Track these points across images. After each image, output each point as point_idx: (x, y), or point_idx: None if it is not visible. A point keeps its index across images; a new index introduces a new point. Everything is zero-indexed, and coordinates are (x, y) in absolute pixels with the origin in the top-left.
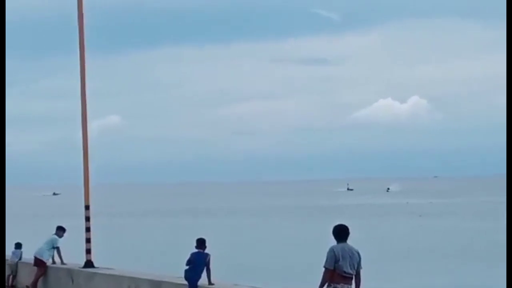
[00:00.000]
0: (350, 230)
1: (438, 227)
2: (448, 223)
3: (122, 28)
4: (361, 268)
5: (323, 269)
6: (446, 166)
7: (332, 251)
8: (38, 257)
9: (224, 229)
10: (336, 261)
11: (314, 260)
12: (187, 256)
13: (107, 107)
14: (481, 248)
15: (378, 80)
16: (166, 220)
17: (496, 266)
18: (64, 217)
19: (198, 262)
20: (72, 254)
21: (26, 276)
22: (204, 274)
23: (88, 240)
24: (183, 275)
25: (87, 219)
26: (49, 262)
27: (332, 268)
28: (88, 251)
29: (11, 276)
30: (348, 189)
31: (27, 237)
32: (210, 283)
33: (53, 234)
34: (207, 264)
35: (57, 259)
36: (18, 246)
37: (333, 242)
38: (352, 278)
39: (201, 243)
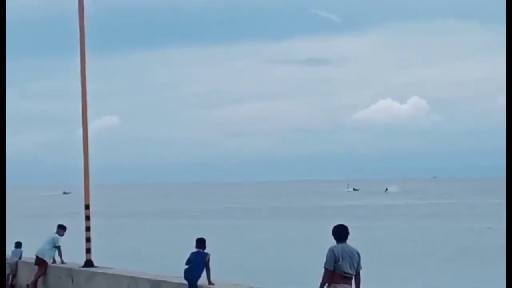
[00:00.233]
0: (349, 231)
1: (436, 228)
2: (446, 224)
3: (120, 29)
4: (361, 268)
5: (323, 269)
6: (445, 167)
7: (332, 251)
8: (40, 256)
9: (223, 230)
10: (336, 261)
11: (314, 260)
12: (187, 256)
13: (105, 108)
14: (480, 250)
15: (378, 81)
16: (165, 220)
17: (495, 267)
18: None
19: (197, 262)
20: (72, 254)
21: (26, 275)
22: (203, 274)
23: (88, 240)
24: (182, 274)
25: (87, 218)
26: (50, 262)
27: (332, 268)
28: (88, 251)
29: (11, 275)
30: (354, 189)
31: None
32: (209, 282)
33: (54, 233)
34: (206, 264)
35: (57, 258)
36: (18, 245)
37: (333, 242)
38: (352, 278)
39: (200, 242)
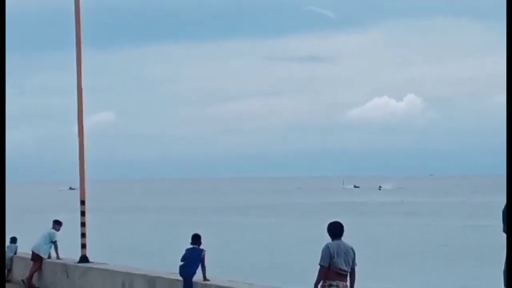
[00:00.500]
0: (344, 228)
1: (431, 225)
2: (441, 222)
3: (115, 24)
4: (356, 265)
5: (318, 266)
6: (442, 165)
7: (327, 248)
8: (36, 251)
9: (219, 226)
10: (331, 258)
11: (309, 257)
12: (182, 252)
13: (100, 104)
14: (475, 247)
15: (374, 79)
16: (161, 216)
17: (490, 265)
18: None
19: (193, 258)
20: (69, 249)
21: (21, 270)
22: (199, 270)
23: (83, 235)
24: (178, 271)
25: (82, 214)
26: (46, 257)
27: (327, 265)
28: (83, 246)
29: (6, 270)
30: (354, 186)
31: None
32: (205, 279)
33: (50, 228)
34: (202, 260)
35: (53, 253)
36: (13, 240)
37: (328, 239)
38: (347, 275)
39: (196, 238)
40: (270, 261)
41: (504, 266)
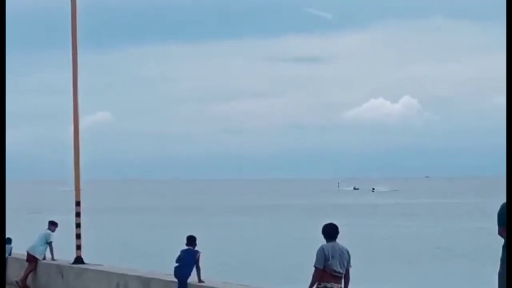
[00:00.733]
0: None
1: (425, 227)
2: (435, 224)
3: (113, 24)
4: (351, 266)
5: (313, 268)
6: (438, 166)
7: (322, 250)
8: (31, 253)
9: (214, 227)
10: (326, 260)
11: (305, 258)
12: (177, 253)
13: (97, 103)
14: (470, 249)
15: (370, 80)
16: (157, 217)
17: (484, 268)
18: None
19: (187, 259)
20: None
21: (15, 271)
22: (194, 272)
23: (78, 236)
24: (173, 272)
25: (77, 215)
26: (41, 258)
27: (322, 267)
28: (78, 247)
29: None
30: (354, 188)
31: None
32: (199, 280)
33: (46, 229)
34: (196, 262)
35: (48, 254)
36: (8, 241)
37: (323, 241)
38: (342, 277)
39: (191, 240)
40: (265, 262)
41: (500, 268)
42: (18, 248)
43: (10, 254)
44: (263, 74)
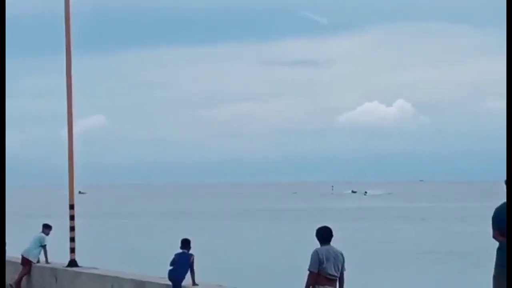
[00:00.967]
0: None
1: (420, 231)
2: (429, 227)
3: (109, 28)
4: (345, 269)
5: (307, 272)
6: (432, 170)
7: (316, 253)
8: (25, 256)
9: (209, 230)
10: (321, 263)
11: (300, 262)
12: (172, 257)
13: (92, 107)
14: (466, 253)
15: (365, 83)
16: (151, 221)
17: (478, 271)
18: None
19: (182, 263)
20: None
21: (9, 274)
22: (188, 275)
23: (72, 239)
24: (167, 275)
25: (72, 218)
26: (35, 261)
27: (316, 271)
28: (72, 250)
29: None
30: (352, 191)
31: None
32: (194, 283)
33: (40, 232)
34: (191, 265)
35: (42, 257)
36: None
37: (317, 244)
38: (336, 280)
39: (185, 243)
40: (260, 266)
41: (494, 272)
42: (13, 252)
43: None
44: (260, 78)
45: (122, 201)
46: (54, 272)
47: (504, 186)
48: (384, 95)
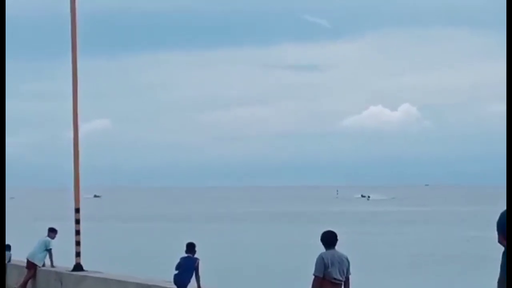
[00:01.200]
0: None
1: (423, 235)
2: (433, 232)
3: (111, 31)
4: (350, 274)
5: (313, 276)
6: (438, 174)
7: (321, 258)
8: (30, 259)
9: (213, 234)
10: (326, 268)
11: (304, 266)
12: (177, 260)
13: (96, 110)
14: (466, 258)
15: (369, 87)
16: (155, 225)
17: (483, 276)
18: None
19: (187, 267)
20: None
21: (15, 278)
22: (193, 279)
23: (77, 243)
24: (172, 279)
25: (77, 222)
26: (40, 265)
27: (321, 275)
28: (78, 254)
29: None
30: (362, 195)
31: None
32: (199, 287)
33: (45, 236)
34: (196, 269)
35: (47, 261)
36: (8, 248)
37: (322, 248)
38: (341, 285)
39: (191, 247)
40: (265, 270)
41: (499, 276)
42: (18, 255)
43: (9, 261)
44: (261, 82)
45: (124, 204)
46: (59, 276)
47: None
48: (389, 99)
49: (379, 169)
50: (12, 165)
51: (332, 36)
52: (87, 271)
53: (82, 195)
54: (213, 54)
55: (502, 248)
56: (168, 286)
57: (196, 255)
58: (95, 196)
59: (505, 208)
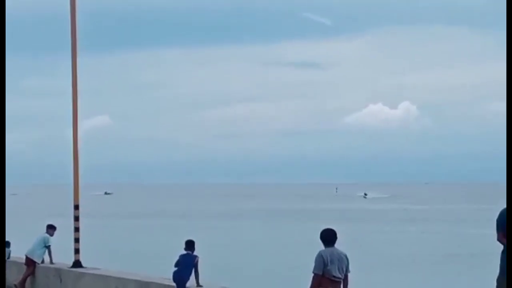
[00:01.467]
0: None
1: (421, 233)
2: (432, 230)
3: (111, 28)
4: (349, 271)
5: (312, 274)
6: (437, 172)
7: (320, 256)
8: (29, 256)
9: (213, 231)
10: (325, 265)
11: (303, 263)
12: (176, 258)
13: (96, 107)
14: (467, 256)
15: (369, 85)
16: (154, 222)
17: (482, 274)
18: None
19: (186, 264)
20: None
21: (14, 275)
22: (192, 276)
23: (76, 240)
24: (171, 276)
25: (76, 219)
26: (39, 261)
27: (320, 273)
28: (77, 251)
29: None
30: (365, 194)
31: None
32: (198, 285)
33: (44, 233)
34: (195, 266)
35: (46, 258)
36: (7, 244)
37: (321, 245)
38: (340, 282)
39: (190, 244)
40: (264, 267)
41: (499, 274)
42: (17, 252)
43: (8, 258)
44: (261, 79)
45: (121, 201)
46: (58, 272)
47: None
48: (389, 97)
49: (379, 167)
50: (14, 162)
51: (333, 34)
52: (86, 268)
53: (92, 192)
54: (213, 51)
55: (501, 246)
56: (167, 283)
57: (195, 253)
58: (106, 193)
59: (504, 206)
